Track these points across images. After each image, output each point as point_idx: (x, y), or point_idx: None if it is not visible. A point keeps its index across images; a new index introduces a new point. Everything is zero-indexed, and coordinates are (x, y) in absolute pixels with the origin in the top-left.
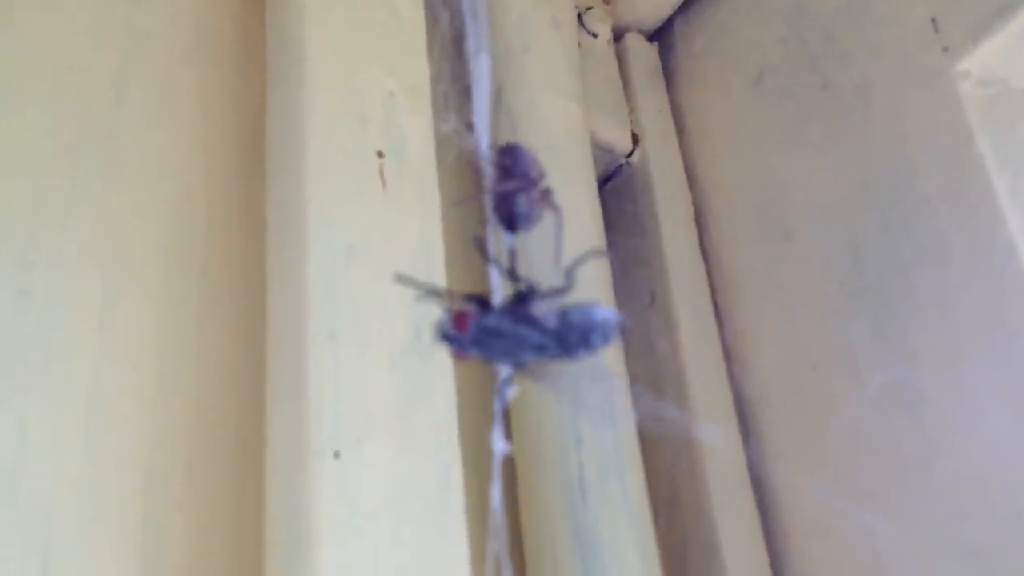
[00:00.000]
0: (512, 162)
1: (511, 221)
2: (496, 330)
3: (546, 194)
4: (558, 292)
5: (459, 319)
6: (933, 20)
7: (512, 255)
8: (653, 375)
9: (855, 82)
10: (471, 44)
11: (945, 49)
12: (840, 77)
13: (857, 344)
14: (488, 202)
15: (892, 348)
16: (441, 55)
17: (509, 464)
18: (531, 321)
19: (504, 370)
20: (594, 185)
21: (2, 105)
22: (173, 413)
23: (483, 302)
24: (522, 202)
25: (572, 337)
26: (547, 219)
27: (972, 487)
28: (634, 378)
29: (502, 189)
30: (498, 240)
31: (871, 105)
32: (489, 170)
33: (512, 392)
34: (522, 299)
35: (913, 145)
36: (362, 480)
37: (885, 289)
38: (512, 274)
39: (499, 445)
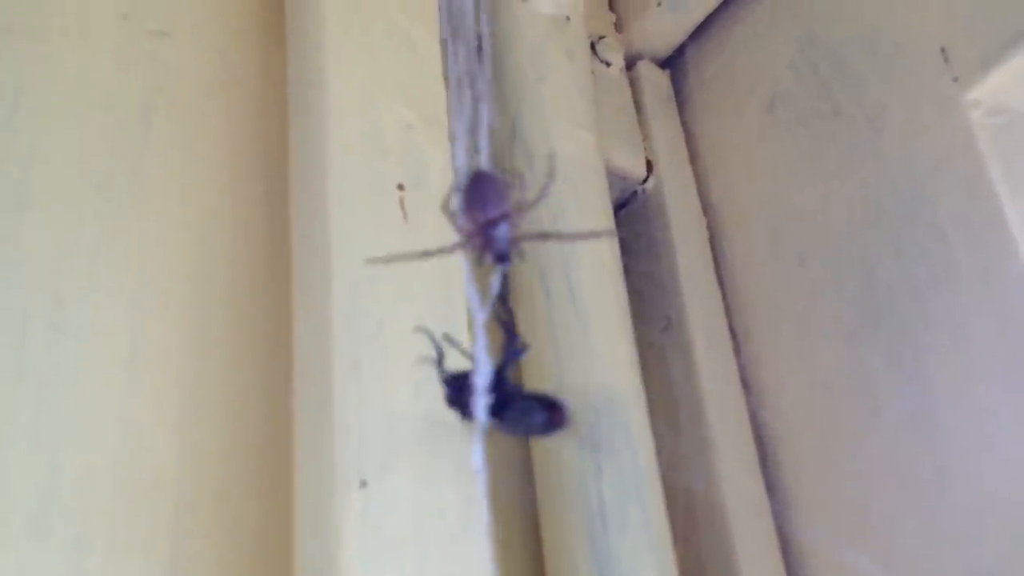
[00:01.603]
0: (488, 190)
1: (502, 253)
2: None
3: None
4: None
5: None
6: (943, 49)
7: (503, 297)
8: (669, 400)
9: (867, 109)
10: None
11: (955, 79)
12: (852, 104)
13: (872, 369)
14: (469, 237)
15: (907, 373)
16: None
17: (531, 487)
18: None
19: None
20: (610, 212)
21: (33, 138)
22: (201, 444)
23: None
24: (506, 231)
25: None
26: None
27: (987, 511)
28: (650, 402)
29: (489, 220)
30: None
31: (883, 132)
32: (466, 201)
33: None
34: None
35: (925, 172)
36: (388, 509)
37: (899, 314)
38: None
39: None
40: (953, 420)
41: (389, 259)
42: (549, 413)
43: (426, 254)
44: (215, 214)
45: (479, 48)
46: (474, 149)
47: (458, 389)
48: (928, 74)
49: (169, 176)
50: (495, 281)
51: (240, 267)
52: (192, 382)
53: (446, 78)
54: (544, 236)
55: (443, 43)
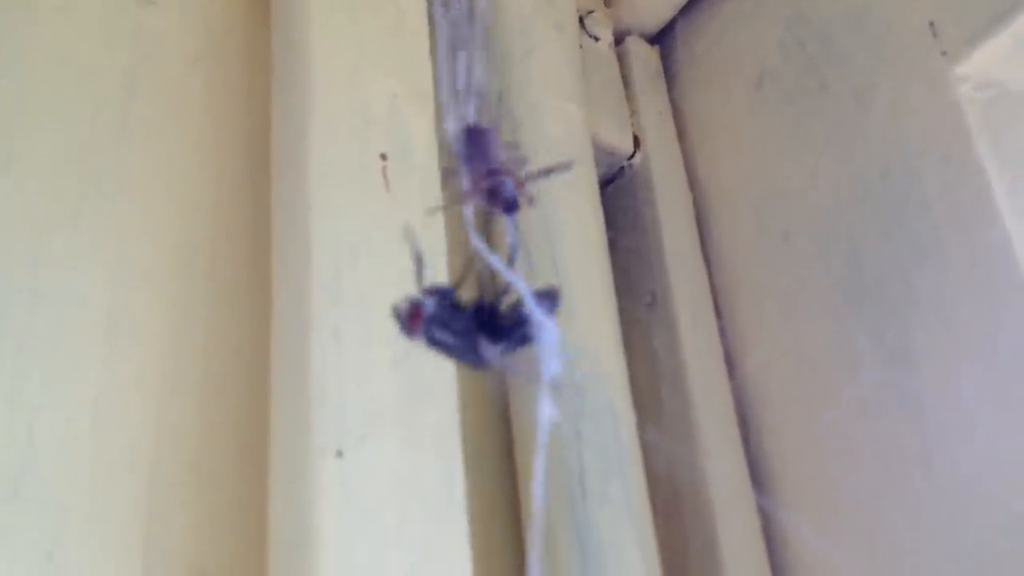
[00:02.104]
0: (487, 143)
1: (510, 202)
2: (448, 329)
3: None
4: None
5: (413, 315)
6: (931, 24)
7: (514, 246)
8: (653, 374)
9: (854, 85)
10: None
11: (944, 53)
12: (839, 80)
13: (857, 347)
14: (472, 191)
15: (892, 352)
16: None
17: (510, 459)
18: (488, 330)
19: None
20: (596, 187)
21: (14, 107)
22: (179, 413)
23: (445, 295)
24: (510, 179)
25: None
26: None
27: (970, 490)
28: (634, 377)
29: (491, 169)
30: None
31: (870, 108)
32: (465, 156)
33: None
34: (484, 309)
35: (912, 148)
36: (365, 478)
37: (884, 291)
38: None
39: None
40: (938, 399)
41: (436, 209)
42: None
43: (434, 209)
44: (197, 185)
45: (470, 12)
46: (462, 112)
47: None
48: (917, 49)
49: (151, 146)
50: (511, 231)
51: (221, 238)
52: (171, 352)
53: (433, 46)
54: (547, 172)
55: (431, 9)
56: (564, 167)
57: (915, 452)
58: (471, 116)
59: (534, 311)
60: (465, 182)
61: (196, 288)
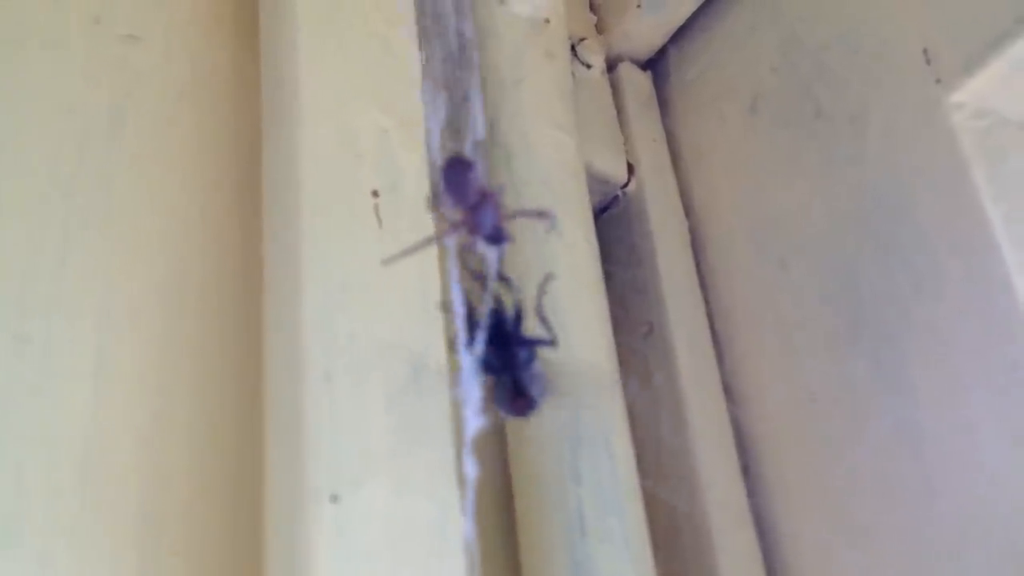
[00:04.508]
0: (467, 174)
1: (496, 234)
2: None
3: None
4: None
5: (520, 404)
6: (925, 51)
7: (503, 274)
8: (651, 407)
9: (849, 112)
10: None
11: (938, 80)
12: (834, 106)
13: (855, 376)
14: (455, 223)
15: (891, 380)
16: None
17: (509, 499)
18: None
19: (473, 393)
20: (590, 217)
21: (1, 143)
22: (169, 457)
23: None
24: (493, 211)
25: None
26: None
27: (972, 521)
28: (631, 409)
29: (474, 202)
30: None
31: (865, 135)
32: (447, 187)
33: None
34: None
35: (908, 175)
36: (361, 523)
37: (882, 320)
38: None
39: (471, 471)
40: (938, 428)
41: (399, 257)
42: (512, 400)
43: (420, 245)
44: (186, 222)
45: (460, 47)
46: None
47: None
48: (911, 76)
49: (138, 183)
50: (492, 262)
51: (211, 276)
52: (160, 395)
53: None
54: (534, 214)
55: (421, 44)
56: (545, 216)
57: (916, 481)
58: (461, 148)
59: (464, 358)
60: (448, 213)
61: (186, 326)
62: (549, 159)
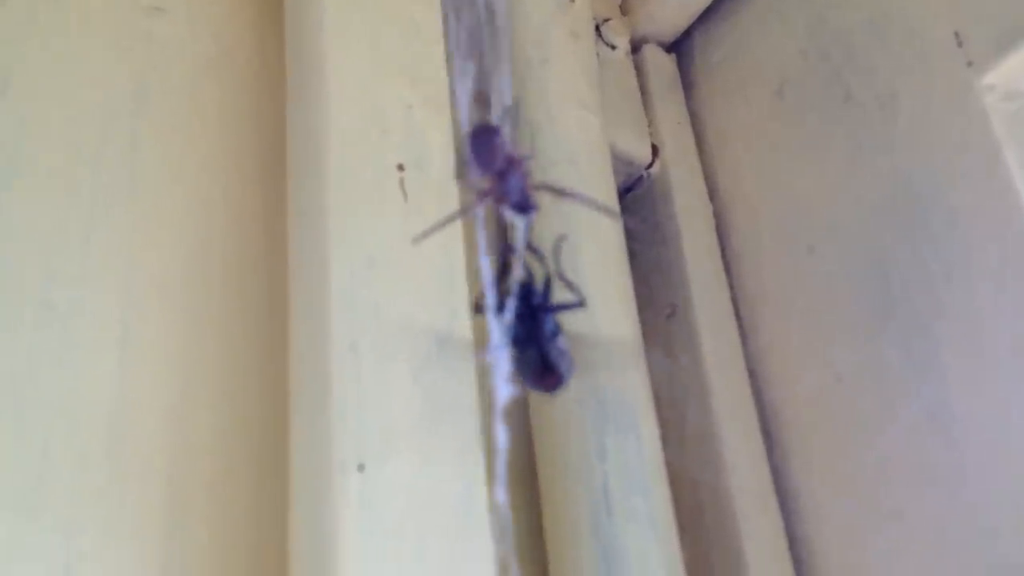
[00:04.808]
0: (494, 141)
1: (524, 202)
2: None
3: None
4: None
5: (549, 380)
6: (956, 34)
7: (531, 244)
8: (675, 387)
9: (879, 95)
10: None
11: (969, 63)
12: (863, 90)
13: (885, 362)
14: (482, 191)
15: (922, 366)
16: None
17: (533, 476)
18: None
19: (502, 361)
20: (615, 197)
21: (23, 119)
22: (195, 427)
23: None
24: (521, 178)
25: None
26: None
27: (1004, 506)
28: (655, 390)
29: (501, 169)
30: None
31: (895, 118)
32: (473, 155)
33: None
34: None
35: (939, 159)
36: (386, 493)
37: (913, 306)
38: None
39: (502, 438)
40: (969, 414)
41: (430, 232)
42: (540, 375)
43: (449, 219)
44: (210, 195)
45: (488, 18)
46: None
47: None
48: (942, 59)
49: (163, 155)
50: (521, 231)
51: (236, 248)
52: (186, 364)
53: (449, 52)
54: (559, 191)
55: (448, 12)
56: (608, 211)
57: (947, 467)
58: (488, 118)
59: (493, 326)
60: (474, 181)
61: (211, 300)
62: (574, 137)
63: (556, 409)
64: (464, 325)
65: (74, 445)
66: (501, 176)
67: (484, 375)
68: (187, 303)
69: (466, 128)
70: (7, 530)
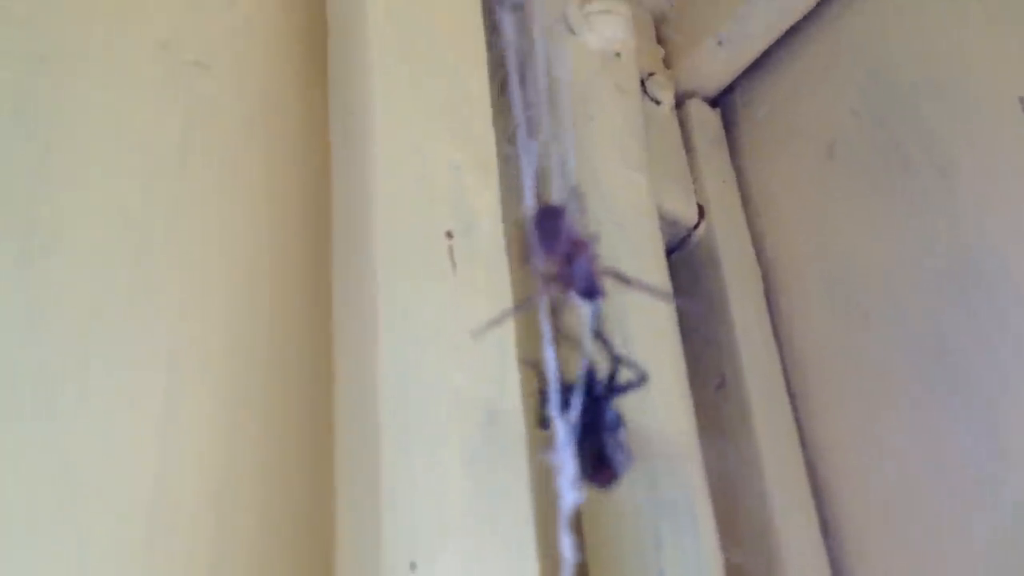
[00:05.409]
0: (561, 224)
1: (591, 288)
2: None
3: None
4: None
5: (603, 476)
6: (1021, 100)
7: (598, 331)
8: (727, 468)
9: (937, 160)
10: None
11: None
12: (920, 155)
13: (944, 439)
14: (548, 276)
15: (985, 447)
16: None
17: (582, 569)
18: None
19: (568, 463)
20: (663, 261)
21: (65, 181)
22: (238, 518)
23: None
24: (587, 263)
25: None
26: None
27: None
28: (707, 467)
29: (567, 252)
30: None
31: (955, 186)
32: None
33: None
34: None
35: (1002, 233)
36: None
37: (973, 380)
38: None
39: (568, 550)
40: None
41: (489, 326)
42: (594, 470)
43: (516, 310)
44: (255, 262)
45: (549, 88)
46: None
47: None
48: (1005, 125)
49: (206, 220)
50: (590, 317)
51: (281, 320)
52: (229, 450)
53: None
54: (624, 279)
55: (506, 81)
56: (670, 299)
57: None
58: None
59: (559, 425)
60: (540, 265)
61: (255, 373)
62: (621, 199)
63: (609, 497)
64: (515, 402)
65: (113, 536)
66: (567, 260)
67: (553, 473)
68: (230, 380)
69: (532, 207)
70: None
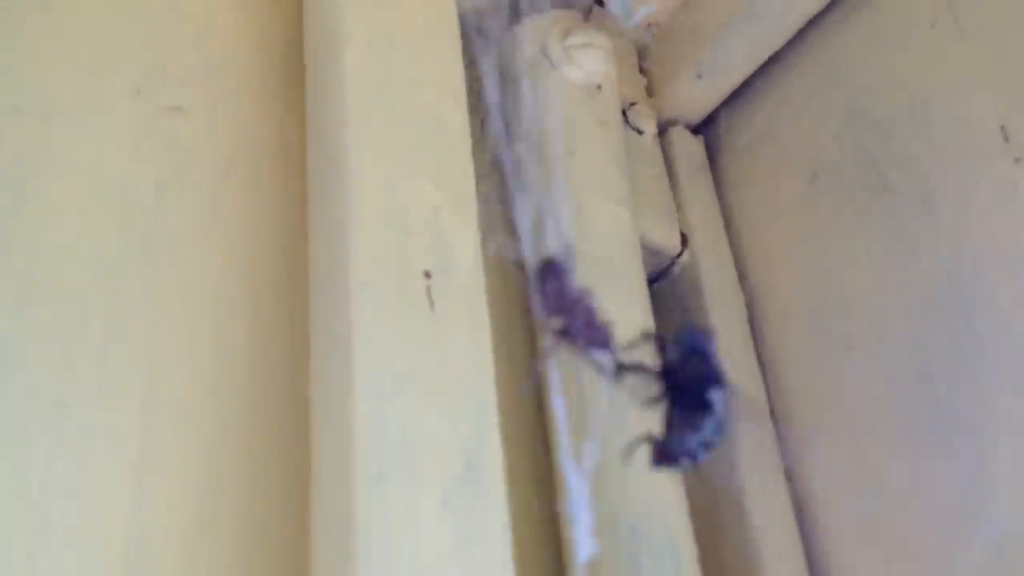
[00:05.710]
0: (563, 281)
1: (599, 335)
2: None
3: None
4: None
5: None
6: (1002, 128)
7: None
8: (707, 494)
9: (919, 187)
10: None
11: (1017, 160)
12: (903, 182)
13: (928, 473)
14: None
15: (971, 478)
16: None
17: None
18: None
19: (583, 513)
20: (646, 294)
21: (39, 227)
22: (215, 561)
23: None
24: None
25: None
26: None
27: None
28: (689, 497)
29: (569, 308)
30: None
31: (938, 214)
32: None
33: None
34: None
35: (983, 257)
36: None
37: (959, 411)
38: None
39: None
40: None
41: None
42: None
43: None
44: (232, 307)
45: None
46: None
47: None
48: (986, 154)
49: (181, 265)
50: (607, 366)
51: (259, 364)
52: (205, 493)
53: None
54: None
55: (496, 135)
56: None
57: None
58: (547, 248)
59: (570, 474)
60: (545, 323)
61: (231, 415)
62: (605, 234)
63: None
64: (494, 446)
65: None
66: (570, 314)
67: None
68: (207, 424)
69: (532, 263)
70: None
